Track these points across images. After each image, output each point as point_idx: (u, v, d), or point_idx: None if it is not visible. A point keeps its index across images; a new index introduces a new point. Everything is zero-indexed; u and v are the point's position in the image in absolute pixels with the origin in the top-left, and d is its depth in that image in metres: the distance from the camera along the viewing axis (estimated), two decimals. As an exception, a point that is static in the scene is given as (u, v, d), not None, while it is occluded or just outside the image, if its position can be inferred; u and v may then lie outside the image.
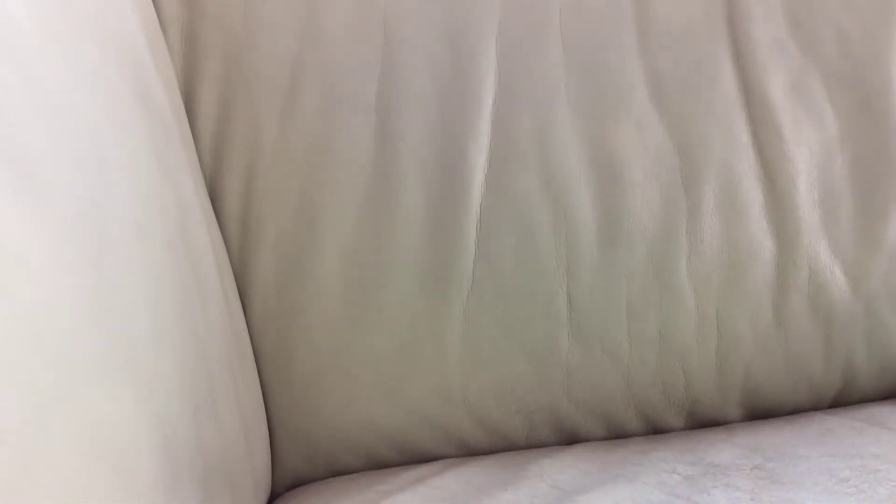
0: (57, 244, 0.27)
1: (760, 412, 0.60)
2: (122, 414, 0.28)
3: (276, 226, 0.55)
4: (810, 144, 0.58)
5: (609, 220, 0.56)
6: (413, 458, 0.58)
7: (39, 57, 0.31)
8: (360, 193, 0.55)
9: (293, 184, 0.55)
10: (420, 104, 0.56)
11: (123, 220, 0.34)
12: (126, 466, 0.28)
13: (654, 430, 0.60)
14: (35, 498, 0.23)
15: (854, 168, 0.58)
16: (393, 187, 0.55)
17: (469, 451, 0.58)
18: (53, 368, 0.25)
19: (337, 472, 0.59)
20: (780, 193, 0.57)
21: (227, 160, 0.56)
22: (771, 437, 0.55)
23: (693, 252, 0.56)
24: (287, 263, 0.55)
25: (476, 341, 0.56)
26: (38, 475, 0.23)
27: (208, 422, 0.41)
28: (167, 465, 0.32)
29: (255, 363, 0.56)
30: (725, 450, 0.53)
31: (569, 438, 0.59)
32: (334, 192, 0.55)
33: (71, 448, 0.25)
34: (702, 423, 0.60)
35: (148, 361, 0.32)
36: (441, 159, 0.55)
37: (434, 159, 0.55)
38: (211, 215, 0.53)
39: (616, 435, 0.59)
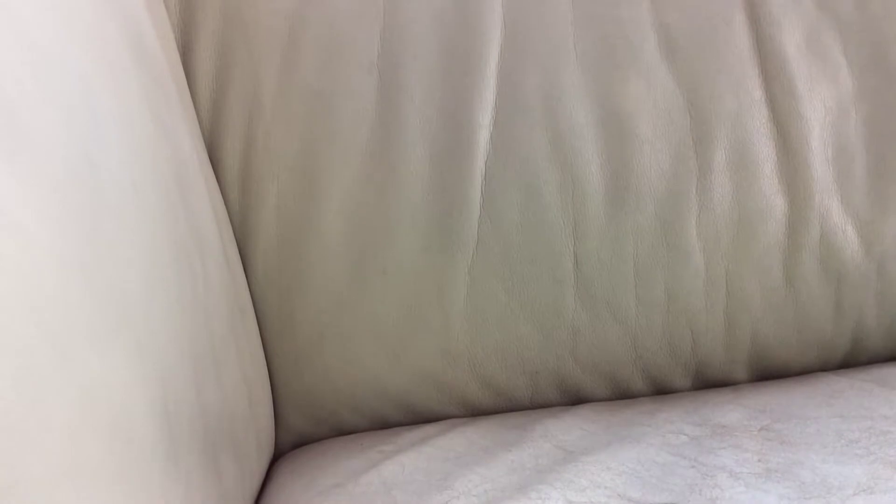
0: (48, 202, 0.26)
1: (768, 373, 0.60)
2: (117, 375, 0.28)
3: (276, 184, 0.54)
4: (824, 101, 0.56)
5: (617, 179, 0.55)
6: (417, 418, 0.58)
7: (29, 8, 0.30)
8: (363, 151, 0.54)
9: (294, 141, 0.54)
10: (424, 60, 0.55)
11: (118, 177, 0.33)
12: (122, 428, 0.27)
13: (660, 391, 0.59)
14: (28, 461, 0.22)
15: (869, 125, 0.57)
16: (396, 145, 0.54)
17: (473, 412, 0.58)
18: (44, 330, 0.24)
19: (341, 431, 0.59)
20: (792, 151, 0.56)
21: (225, 117, 0.54)
22: (779, 398, 0.54)
23: (703, 211, 0.55)
24: (288, 222, 0.54)
25: (481, 302, 0.55)
26: (31, 438, 0.22)
27: (209, 382, 0.40)
28: (166, 426, 0.32)
29: (257, 323, 0.55)
30: (732, 411, 0.53)
31: (574, 399, 0.59)
32: (336, 150, 0.54)
33: (64, 410, 0.24)
34: (708, 384, 0.59)
35: (144, 322, 0.32)
36: (445, 117, 0.54)
37: (438, 117, 0.54)
38: (210, 173, 0.52)
39: (621, 396, 0.59)
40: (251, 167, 0.54)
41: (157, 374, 0.32)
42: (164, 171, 0.40)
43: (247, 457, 0.48)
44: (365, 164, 0.54)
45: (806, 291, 0.57)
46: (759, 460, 0.45)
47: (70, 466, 0.24)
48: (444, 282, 0.55)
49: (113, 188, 0.32)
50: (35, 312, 0.24)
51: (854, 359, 0.61)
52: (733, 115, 0.56)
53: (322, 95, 0.54)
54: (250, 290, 0.55)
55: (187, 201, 0.43)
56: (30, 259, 0.24)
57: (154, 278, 0.34)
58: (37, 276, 0.24)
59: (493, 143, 0.54)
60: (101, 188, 0.31)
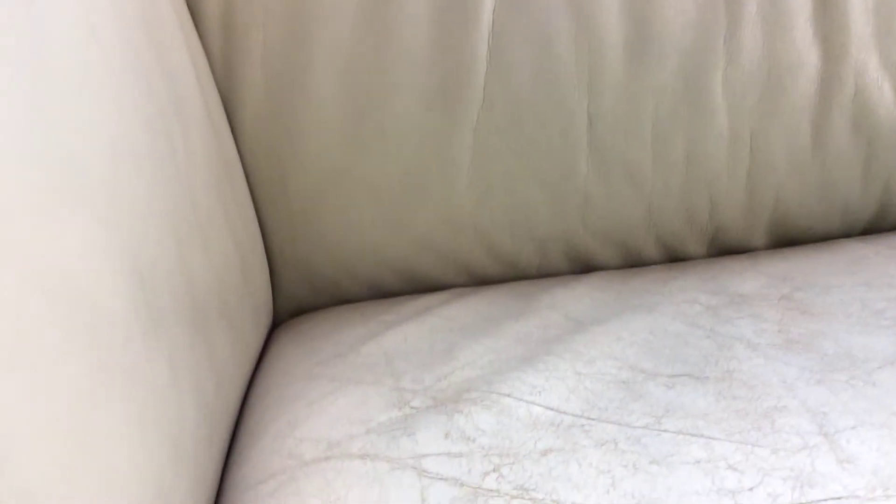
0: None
1: (788, 240, 0.58)
2: (77, 252, 0.25)
3: (263, 34, 0.50)
4: (869, -62, 0.51)
5: (638, 29, 0.51)
6: (419, 287, 0.56)
7: None
8: (357, -2, 0.49)
9: (279, -15, 0.49)
10: None
11: (70, 25, 0.29)
12: (88, 304, 0.25)
13: (674, 259, 0.57)
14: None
15: (917, -33, 0.51)
16: (394, -9, 0.49)
17: (478, 281, 0.56)
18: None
19: (341, 300, 0.57)
20: (829, 0, 0.51)
21: (202, -43, 0.49)
22: (799, 265, 0.52)
23: (730, 66, 0.51)
24: (278, 79, 0.50)
25: (487, 165, 0.52)
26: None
27: (195, 252, 0.38)
28: (142, 302, 0.29)
29: (248, 190, 0.52)
30: (751, 279, 0.50)
31: (583, 267, 0.57)
32: (328, -5, 0.49)
33: (16, 290, 0.21)
34: (724, 250, 0.57)
35: (110, 193, 0.28)
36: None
37: (441, -44, 0.49)
38: (188, 22, 0.48)
39: (633, 263, 0.57)
40: (234, 14, 0.50)
41: (129, 249, 0.29)
42: (131, 19, 0.35)
43: (241, 326, 0.46)
44: (360, 12, 0.49)
45: (834, 153, 0.54)
46: (779, 331, 0.43)
47: (20, 350, 0.21)
48: (447, 144, 0.51)
49: (65, 40, 0.28)
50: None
51: (878, 226, 0.59)
52: (769, -44, 0.50)
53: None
54: (239, 155, 0.51)
55: (162, 56, 0.39)
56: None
57: (121, 144, 0.31)
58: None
59: (501, -12, 0.49)
60: (50, 41, 0.26)
